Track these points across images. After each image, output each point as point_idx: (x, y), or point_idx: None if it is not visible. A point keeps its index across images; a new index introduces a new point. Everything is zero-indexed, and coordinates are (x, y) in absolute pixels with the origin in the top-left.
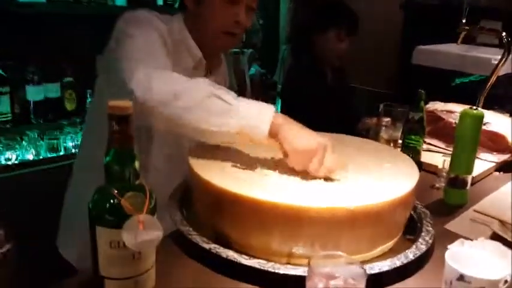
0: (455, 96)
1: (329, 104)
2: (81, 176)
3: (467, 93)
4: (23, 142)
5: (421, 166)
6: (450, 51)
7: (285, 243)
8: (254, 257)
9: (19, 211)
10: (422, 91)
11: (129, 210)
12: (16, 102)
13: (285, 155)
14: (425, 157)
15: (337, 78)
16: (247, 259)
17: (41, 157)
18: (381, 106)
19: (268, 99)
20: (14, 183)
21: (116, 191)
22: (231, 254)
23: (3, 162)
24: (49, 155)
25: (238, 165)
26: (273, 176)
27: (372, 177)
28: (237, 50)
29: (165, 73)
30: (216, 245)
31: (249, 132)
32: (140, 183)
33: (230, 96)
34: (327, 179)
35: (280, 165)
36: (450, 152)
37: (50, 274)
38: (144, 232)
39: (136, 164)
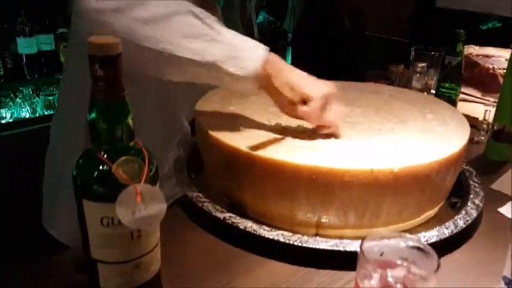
0: (486, 43)
1: (345, 53)
2: (60, 139)
3: (500, 39)
4: (17, 99)
5: None
6: None
7: (312, 212)
8: (276, 227)
9: (15, 172)
10: (461, 31)
11: (124, 180)
12: (7, 57)
13: (297, 103)
14: (460, 108)
15: (355, 22)
16: (268, 231)
17: (37, 114)
18: (412, 50)
19: (278, 49)
20: (9, 143)
21: (105, 156)
22: (250, 225)
23: None
24: (46, 113)
25: (253, 124)
26: (293, 136)
27: (414, 132)
28: None
29: None
30: (231, 214)
31: (234, 66)
32: (136, 144)
33: (212, 18)
34: (330, 135)
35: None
36: (487, 102)
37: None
38: (143, 206)
39: (130, 119)
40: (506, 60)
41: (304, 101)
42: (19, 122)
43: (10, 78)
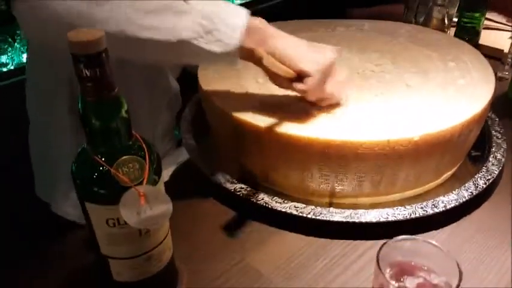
0: None
1: None
2: (36, 109)
3: None
4: (16, 44)
5: (478, 48)
6: None
7: (326, 183)
8: (289, 197)
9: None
10: None
11: (124, 182)
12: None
13: (294, 79)
14: (484, 38)
15: None
16: (281, 203)
17: None
18: None
19: None
20: (13, 92)
21: (102, 158)
22: (261, 197)
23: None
24: None
25: (258, 94)
26: (301, 106)
27: (434, 86)
28: None
29: None
30: (242, 185)
31: (209, 43)
32: (135, 140)
33: None
34: (330, 107)
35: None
36: None
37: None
38: (148, 207)
39: (125, 116)
40: None
41: (299, 76)
42: (21, 69)
43: (4, 21)
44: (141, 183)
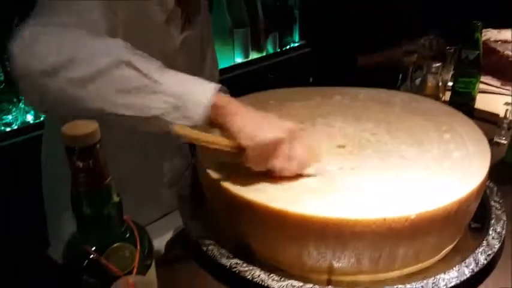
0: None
1: (366, 25)
2: (52, 161)
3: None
4: (20, 104)
5: (472, 113)
6: None
7: (323, 260)
8: (286, 273)
9: (22, 180)
10: (479, 22)
11: (114, 272)
12: (7, 60)
13: (238, 150)
14: (480, 102)
15: None
16: (278, 281)
17: (41, 118)
18: (426, 43)
19: (285, 28)
20: (16, 150)
21: (92, 247)
22: (258, 274)
23: (2, 128)
24: None
25: None
26: (298, 181)
27: (430, 160)
28: None
29: (65, 31)
30: (237, 261)
31: (178, 118)
32: (127, 226)
33: (151, 65)
34: (297, 176)
35: None
36: (507, 92)
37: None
38: None
39: (116, 201)
40: None
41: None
42: (25, 128)
43: (11, 83)
44: (131, 271)
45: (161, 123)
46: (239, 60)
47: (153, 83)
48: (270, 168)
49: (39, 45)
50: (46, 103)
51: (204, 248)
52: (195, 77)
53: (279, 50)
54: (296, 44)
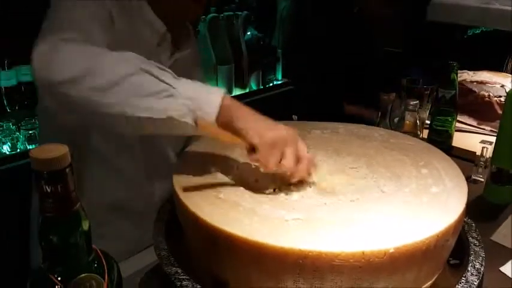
0: (470, 51)
1: (350, 71)
2: None
3: (483, 46)
4: None
5: (450, 150)
6: (470, 4)
7: None
8: None
9: None
10: (454, 63)
11: None
12: None
13: (249, 150)
14: (457, 140)
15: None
16: None
17: (18, 150)
18: (404, 82)
19: (268, 66)
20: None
21: (58, 277)
22: None
23: None
24: (29, 146)
25: (232, 198)
26: (277, 213)
27: (408, 194)
28: (230, 13)
29: (80, 45)
30: None
31: (192, 119)
32: (95, 256)
33: (166, 72)
34: (302, 183)
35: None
36: (484, 131)
37: None
38: None
39: (85, 229)
40: (502, 86)
41: (253, 148)
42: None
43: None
44: None
45: (178, 124)
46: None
47: (169, 88)
48: (281, 167)
49: (58, 58)
50: (67, 109)
51: (178, 284)
52: (205, 84)
53: (262, 87)
54: (279, 82)
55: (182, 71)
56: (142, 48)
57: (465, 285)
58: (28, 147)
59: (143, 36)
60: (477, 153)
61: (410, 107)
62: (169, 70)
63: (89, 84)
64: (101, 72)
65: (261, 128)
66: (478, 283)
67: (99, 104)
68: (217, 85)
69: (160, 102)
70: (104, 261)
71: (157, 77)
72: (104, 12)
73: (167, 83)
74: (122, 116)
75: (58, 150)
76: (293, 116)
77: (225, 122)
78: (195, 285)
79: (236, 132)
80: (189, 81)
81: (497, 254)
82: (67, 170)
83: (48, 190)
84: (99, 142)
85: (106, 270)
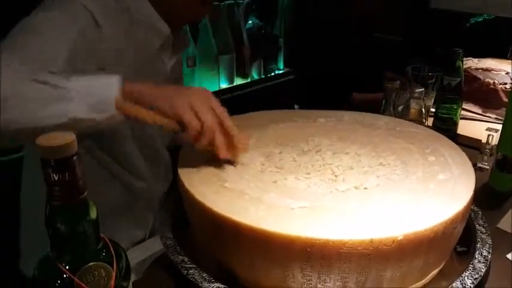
0: (472, 39)
1: (347, 60)
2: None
3: (485, 34)
4: None
5: (455, 138)
6: None
7: (308, 283)
8: None
9: None
10: (460, 50)
11: None
12: None
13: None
14: (462, 128)
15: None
16: None
17: None
18: (409, 70)
19: (269, 55)
20: None
21: (66, 265)
22: None
23: None
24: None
25: (239, 187)
26: (283, 201)
27: (415, 182)
28: (231, 1)
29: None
30: (219, 285)
31: (96, 112)
32: (103, 244)
33: (57, 76)
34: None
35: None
36: (489, 119)
37: None
38: None
39: (93, 218)
40: (507, 74)
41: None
42: None
43: None
44: None
45: (83, 122)
46: (224, 85)
47: (63, 91)
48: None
49: None
50: None
51: (185, 272)
52: (100, 74)
53: (263, 77)
54: (281, 71)
55: (177, 74)
56: (142, 51)
57: (472, 273)
58: None
59: (143, 40)
60: (482, 141)
61: (416, 95)
62: (62, 73)
63: None
64: None
65: (174, 95)
66: (486, 270)
67: (4, 121)
68: (218, 75)
69: (59, 107)
70: (112, 249)
71: (48, 83)
72: (81, 20)
73: (59, 86)
74: (25, 128)
75: (65, 138)
76: (295, 105)
77: (127, 108)
78: (201, 274)
79: (151, 112)
80: (81, 76)
81: (503, 241)
82: (74, 157)
83: (56, 178)
84: (92, 148)
85: (115, 259)
